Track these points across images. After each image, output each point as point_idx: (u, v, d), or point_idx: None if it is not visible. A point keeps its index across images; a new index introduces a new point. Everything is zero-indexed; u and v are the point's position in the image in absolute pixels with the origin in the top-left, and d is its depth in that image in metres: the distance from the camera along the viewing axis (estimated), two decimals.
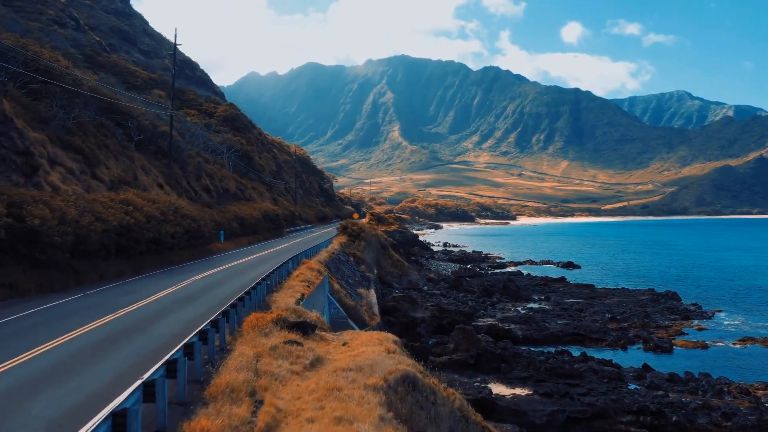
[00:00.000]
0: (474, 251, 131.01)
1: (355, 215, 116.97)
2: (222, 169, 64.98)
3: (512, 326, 49.07)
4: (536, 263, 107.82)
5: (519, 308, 57.55)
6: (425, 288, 60.96)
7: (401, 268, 62.84)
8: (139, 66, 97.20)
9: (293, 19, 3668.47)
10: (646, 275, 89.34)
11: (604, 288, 72.63)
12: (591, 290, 70.27)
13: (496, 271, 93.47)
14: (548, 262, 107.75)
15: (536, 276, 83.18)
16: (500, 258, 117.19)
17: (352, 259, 46.03)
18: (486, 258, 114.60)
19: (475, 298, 59.66)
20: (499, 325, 49.01)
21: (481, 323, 49.75)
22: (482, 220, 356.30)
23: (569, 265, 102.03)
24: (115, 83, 61.15)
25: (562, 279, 78.95)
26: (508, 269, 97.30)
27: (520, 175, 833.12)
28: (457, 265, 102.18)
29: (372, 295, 36.13)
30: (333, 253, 39.41)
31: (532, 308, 57.50)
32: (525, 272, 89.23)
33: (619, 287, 73.20)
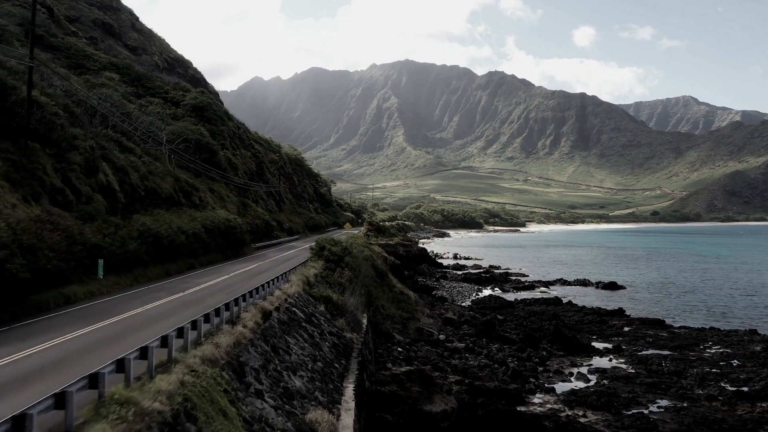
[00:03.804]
0: (491, 265, 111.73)
1: (347, 225, 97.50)
2: (153, 163, 45.96)
3: (590, 415, 29.79)
4: (570, 283, 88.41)
5: (583, 369, 38.24)
6: (442, 336, 41.61)
7: (407, 306, 43.33)
8: (130, 61, 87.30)
9: (304, 23, 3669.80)
10: (719, 302, 69.84)
11: (684, 327, 53.05)
12: (668, 332, 50.76)
13: (524, 296, 73.95)
14: (584, 283, 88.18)
15: (584, 306, 63.64)
16: (524, 275, 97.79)
17: (323, 307, 26.79)
18: (507, 277, 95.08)
19: (515, 352, 40.34)
20: (568, 414, 29.72)
21: (538, 409, 30.48)
22: (491, 227, 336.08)
23: (612, 286, 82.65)
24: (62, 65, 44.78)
25: (620, 311, 59.58)
26: (539, 292, 77.95)
27: (526, 180, 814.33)
28: (475, 287, 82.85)
29: (346, 417, 16.69)
30: (277, 308, 20.12)
31: (603, 370, 38.10)
32: (564, 297, 69.84)
33: (706, 326, 53.59)
